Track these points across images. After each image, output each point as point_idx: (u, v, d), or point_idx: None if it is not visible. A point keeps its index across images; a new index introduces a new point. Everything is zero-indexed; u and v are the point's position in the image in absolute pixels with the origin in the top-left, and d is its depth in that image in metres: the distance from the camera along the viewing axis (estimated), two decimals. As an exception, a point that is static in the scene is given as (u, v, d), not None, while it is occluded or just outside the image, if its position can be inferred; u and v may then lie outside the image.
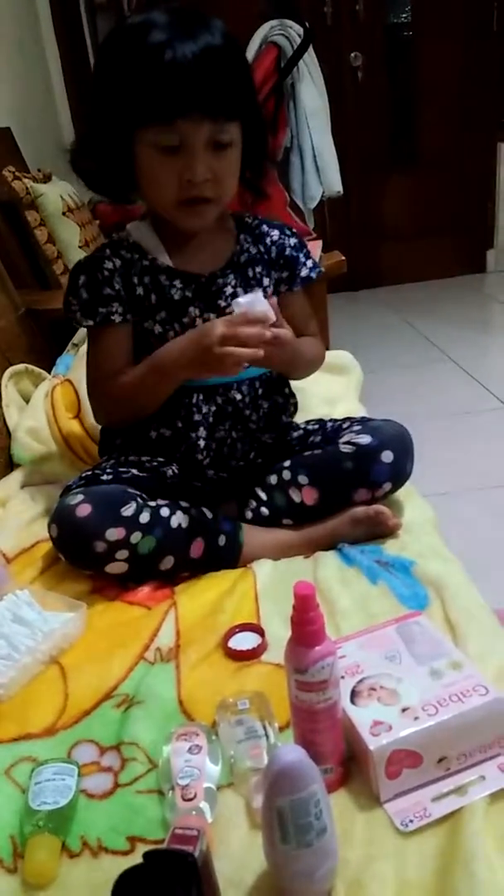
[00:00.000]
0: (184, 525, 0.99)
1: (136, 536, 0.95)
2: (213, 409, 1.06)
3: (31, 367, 1.62)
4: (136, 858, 0.55)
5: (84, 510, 0.95)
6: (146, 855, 0.53)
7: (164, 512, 0.99)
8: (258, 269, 1.10)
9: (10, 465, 1.39)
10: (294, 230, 1.18)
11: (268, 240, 1.12)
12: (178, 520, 0.99)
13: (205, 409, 1.06)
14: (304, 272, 1.14)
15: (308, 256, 1.16)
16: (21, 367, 1.58)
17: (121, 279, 1.04)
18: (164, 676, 0.82)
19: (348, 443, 1.05)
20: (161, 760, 0.70)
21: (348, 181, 2.63)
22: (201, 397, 1.05)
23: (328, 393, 1.48)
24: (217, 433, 1.07)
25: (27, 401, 1.52)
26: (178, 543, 0.98)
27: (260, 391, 1.10)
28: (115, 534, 0.95)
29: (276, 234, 1.13)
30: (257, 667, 0.82)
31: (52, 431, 1.38)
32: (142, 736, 0.73)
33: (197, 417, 1.05)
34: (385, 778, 0.64)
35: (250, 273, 1.09)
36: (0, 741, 0.76)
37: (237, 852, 0.61)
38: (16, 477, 1.34)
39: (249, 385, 1.08)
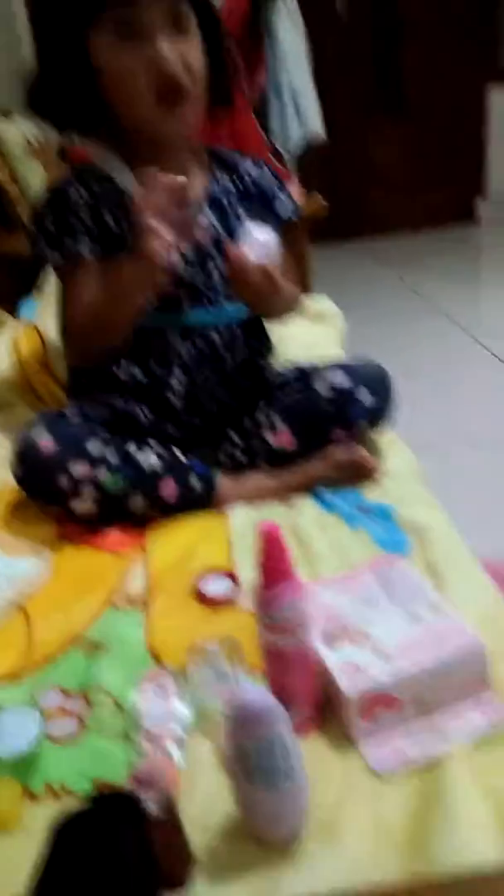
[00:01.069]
0: (154, 464, 0.95)
1: (102, 473, 0.92)
2: (192, 351, 1.02)
3: (-4, 310, 1.55)
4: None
5: (48, 445, 0.92)
6: (92, 798, 0.51)
7: (133, 450, 0.95)
8: (235, 205, 1.06)
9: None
10: (268, 164, 1.14)
11: (242, 171, 1.09)
12: (148, 459, 0.95)
13: (182, 352, 1.02)
14: (282, 212, 1.11)
15: (287, 195, 1.12)
16: (-14, 310, 1.52)
17: (90, 212, 0.99)
18: (133, 622, 0.79)
19: (324, 383, 1.02)
20: (128, 705, 0.67)
21: (332, 126, 2.53)
22: (178, 338, 1.01)
23: (307, 339, 1.43)
24: (194, 376, 1.03)
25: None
26: (149, 483, 0.94)
27: (239, 333, 1.06)
28: (79, 469, 0.91)
29: (250, 166, 1.10)
30: (231, 613, 0.80)
31: (17, 377, 1.32)
32: (109, 681, 0.71)
33: (173, 359, 1.02)
34: (360, 720, 0.62)
35: (228, 209, 1.05)
36: (-40, 687, 0.73)
37: (206, 796, 0.59)
38: (-20, 424, 1.29)
39: (228, 328, 1.04)
